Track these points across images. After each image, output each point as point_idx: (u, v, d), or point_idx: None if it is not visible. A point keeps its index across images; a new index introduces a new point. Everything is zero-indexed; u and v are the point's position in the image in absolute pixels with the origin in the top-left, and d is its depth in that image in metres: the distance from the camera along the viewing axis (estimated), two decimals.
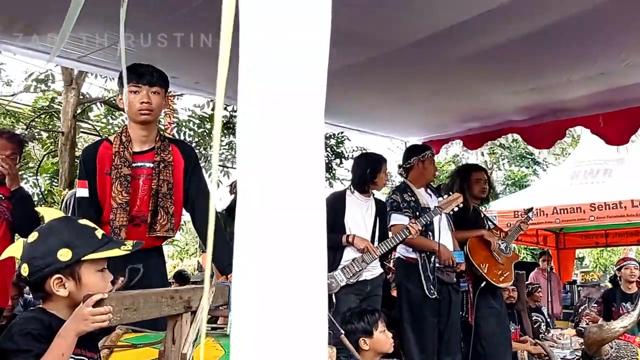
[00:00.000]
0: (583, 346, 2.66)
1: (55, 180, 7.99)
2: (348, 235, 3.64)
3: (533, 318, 5.79)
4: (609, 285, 6.88)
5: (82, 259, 1.54)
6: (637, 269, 5.57)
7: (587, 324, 5.65)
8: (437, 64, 4.32)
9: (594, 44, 4.00)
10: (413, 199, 3.96)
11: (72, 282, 1.54)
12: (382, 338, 2.80)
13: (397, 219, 3.87)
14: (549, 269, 7.83)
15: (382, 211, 3.88)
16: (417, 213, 3.90)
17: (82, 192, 2.60)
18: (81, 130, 8.44)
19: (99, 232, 1.64)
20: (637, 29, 3.78)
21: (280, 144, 0.72)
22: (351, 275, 3.56)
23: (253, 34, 0.75)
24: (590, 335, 2.49)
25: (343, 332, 2.14)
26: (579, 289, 6.69)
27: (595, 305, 6.34)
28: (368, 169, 3.81)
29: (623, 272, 5.62)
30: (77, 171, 4.04)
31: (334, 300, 3.52)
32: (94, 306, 1.37)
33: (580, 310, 6.43)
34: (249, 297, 0.70)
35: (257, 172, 0.72)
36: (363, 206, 3.80)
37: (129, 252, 1.61)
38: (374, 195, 3.93)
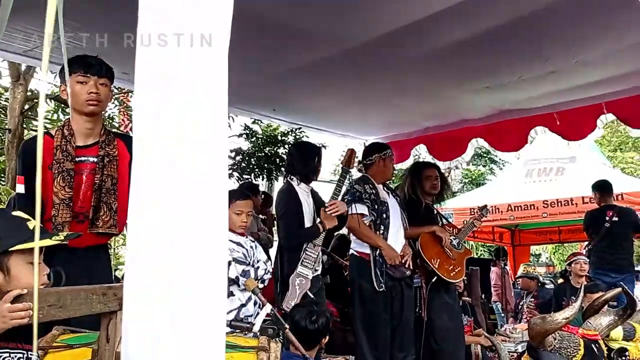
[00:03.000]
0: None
1: (2, 179, 7.71)
2: (320, 222, 3.62)
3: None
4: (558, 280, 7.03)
5: (10, 249, 1.49)
6: (587, 264, 5.73)
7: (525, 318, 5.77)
8: (394, 63, 4.34)
9: (546, 41, 4.09)
10: (374, 192, 3.97)
11: (0, 274, 1.48)
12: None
13: (358, 208, 3.87)
14: (502, 264, 8.00)
15: (316, 196, 3.86)
16: (377, 206, 3.92)
17: (20, 188, 2.51)
18: (30, 127, 8.16)
19: (31, 224, 1.58)
20: (586, 27, 3.88)
21: (179, 139, 0.69)
22: (313, 263, 3.54)
23: (150, 26, 0.71)
24: (534, 327, 2.52)
25: (288, 327, 2.12)
26: (518, 281, 6.83)
27: (533, 299, 6.49)
28: (313, 159, 3.80)
29: (573, 267, 5.77)
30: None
31: (312, 296, 3.48)
32: (12, 302, 1.31)
33: (520, 304, 6.56)
34: (141, 294, 0.66)
35: (153, 167, 0.68)
36: (309, 197, 3.77)
37: (60, 242, 1.56)
38: None
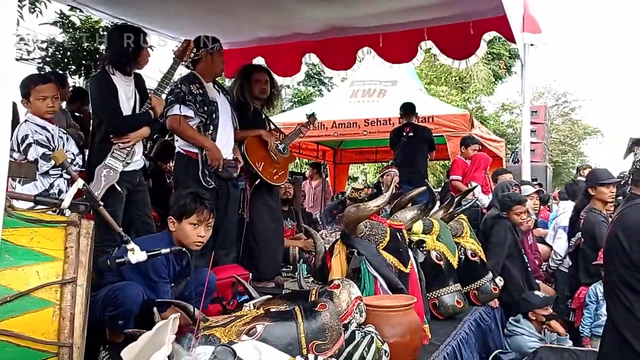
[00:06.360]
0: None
1: None
2: (151, 108, 3.44)
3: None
4: None
5: None
6: (397, 176, 6.25)
7: None
8: None
9: None
10: (201, 91, 3.79)
11: None
12: (187, 230, 2.62)
13: (181, 110, 3.68)
14: (324, 176, 8.42)
15: (141, 84, 3.62)
16: (206, 107, 3.76)
17: None
18: None
19: None
20: None
21: None
22: (125, 156, 3.34)
23: None
24: (349, 214, 2.71)
25: (102, 204, 1.99)
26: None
27: None
28: (130, 46, 3.40)
29: (384, 179, 6.28)
30: None
31: (120, 190, 3.31)
32: None
33: (338, 215, 7.01)
34: None
35: None
36: (127, 89, 3.46)
37: None
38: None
